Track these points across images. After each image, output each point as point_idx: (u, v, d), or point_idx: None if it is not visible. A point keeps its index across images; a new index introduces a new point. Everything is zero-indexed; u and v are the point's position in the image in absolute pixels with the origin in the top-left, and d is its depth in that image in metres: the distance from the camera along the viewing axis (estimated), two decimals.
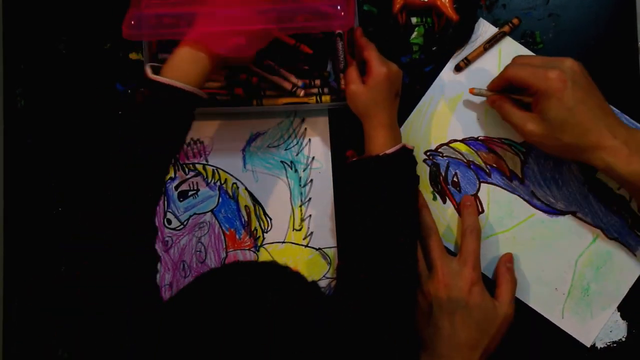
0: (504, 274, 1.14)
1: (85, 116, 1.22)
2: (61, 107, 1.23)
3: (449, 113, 1.20)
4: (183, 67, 1.00)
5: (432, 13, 1.20)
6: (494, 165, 1.19)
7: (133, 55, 1.22)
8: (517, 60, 1.10)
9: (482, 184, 1.19)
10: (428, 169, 1.20)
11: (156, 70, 1.00)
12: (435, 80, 1.21)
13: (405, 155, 1.09)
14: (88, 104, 1.22)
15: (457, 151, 1.20)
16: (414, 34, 1.21)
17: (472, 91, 1.16)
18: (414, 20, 1.21)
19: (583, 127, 1.01)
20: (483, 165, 1.19)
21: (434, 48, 1.21)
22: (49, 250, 1.21)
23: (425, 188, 1.19)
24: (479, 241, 1.13)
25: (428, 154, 1.20)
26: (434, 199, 1.19)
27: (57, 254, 1.20)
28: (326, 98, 1.18)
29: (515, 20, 1.19)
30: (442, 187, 1.20)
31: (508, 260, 1.15)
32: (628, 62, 1.19)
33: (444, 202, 1.19)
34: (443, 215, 1.19)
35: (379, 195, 1.06)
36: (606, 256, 1.17)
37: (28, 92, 1.23)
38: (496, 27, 1.20)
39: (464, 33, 1.20)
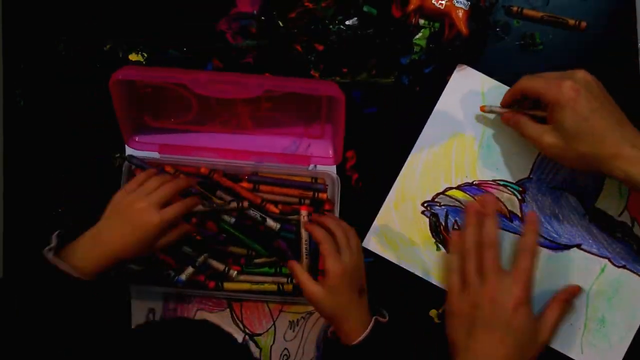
0: (559, 301, 1.13)
1: (85, 116, 1.24)
2: (61, 107, 1.24)
3: (440, 161, 1.21)
4: (78, 253, 1.04)
5: (445, 22, 1.20)
6: None
7: (133, 56, 1.24)
8: (528, 75, 1.10)
9: None
10: (427, 220, 1.20)
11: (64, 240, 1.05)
12: (423, 130, 1.21)
13: (379, 331, 1.09)
14: (87, 104, 1.24)
15: (453, 199, 1.20)
16: (419, 35, 1.22)
17: (483, 109, 1.17)
18: (421, 21, 1.22)
19: (599, 136, 1.01)
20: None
21: (431, 45, 1.22)
22: None
23: (427, 239, 1.19)
24: (534, 260, 1.09)
25: (425, 205, 1.20)
26: (437, 249, 1.20)
27: None
28: (288, 287, 1.19)
29: None
30: (444, 236, 1.20)
31: (572, 292, 1.15)
32: (628, 62, 1.20)
33: (448, 251, 1.19)
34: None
35: None
36: (616, 285, 1.16)
37: (28, 92, 1.25)
38: (496, 27, 1.22)
39: (470, 50, 1.21)
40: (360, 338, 1.06)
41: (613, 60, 1.21)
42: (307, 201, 1.19)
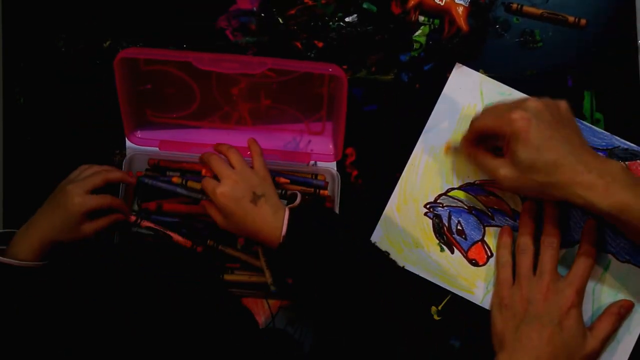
0: (611, 314, 1.13)
1: (85, 114, 1.24)
2: (60, 104, 1.24)
3: (441, 162, 1.20)
4: (18, 242, 1.07)
5: (445, 19, 1.21)
6: (495, 206, 1.19)
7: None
8: (483, 110, 1.11)
9: (486, 228, 1.19)
10: (430, 221, 1.20)
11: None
12: (423, 132, 1.21)
13: (299, 217, 1.07)
14: (87, 101, 1.24)
15: (456, 199, 1.20)
16: (419, 32, 1.22)
17: (448, 147, 1.19)
18: (420, 18, 1.22)
19: (553, 165, 1.01)
20: (484, 209, 1.19)
21: (430, 42, 1.22)
22: None
23: (431, 240, 1.19)
24: (591, 268, 1.11)
25: (428, 206, 1.20)
26: (442, 250, 1.19)
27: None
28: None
29: None
30: (448, 237, 1.19)
31: (624, 307, 1.14)
32: (628, 60, 1.21)
33: (452, 252, 1.19)
34: (453, 266, 1.19)
35: (311, 269, 1.05)
36: (622, 280, 1.16)
37: (27, 89, 1.25)
38: (495, 24, 1.22)
39: (470, 47, 1.22)
40: (283, 233, 1.05)
41: (613, 57, 1.21)
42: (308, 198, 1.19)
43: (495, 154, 1.09)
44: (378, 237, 1.20)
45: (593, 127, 1.18)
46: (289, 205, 1.09)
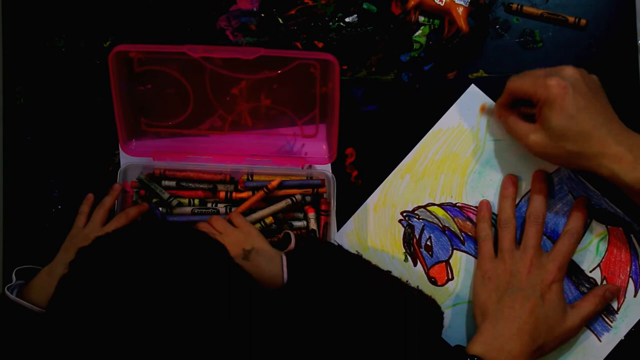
0: (596, 295, 1.14)
1: (85, 114, 1.25)
2: (61, 104, 1.25)
3: (429, 176, 1.21)
4: (36, 288, 1.07)
5: (445, 19, 1.21)
6: (469, 233, 1.20)
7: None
8: (521, 73, 1.10)
9: (455, 251, 1.20)
10: (402, 229, 1.21)
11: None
12: (419, 143, 1.22)
13: (297, 259, 1.09)
14: (87, 101, 1.25)
15: (433, 215, 1.21)
16: (419, 32, 1.22)
17: (483, 107, 1.18)
18: (420, 18, 1.22)
19: (585, 135, 1.01)
20: (458, 232, 1.20)
21: (430, 42, 1.22)
22: (48, 247, 1.19)
23: (398, 248, 1.21)
24: (574, 246, 1.13)
25: (404, 214, 1.21)
26: (405, 260, 1.20)
27: (56, 252, 1.19)
28: None
29: None
30: (415, 249, 1.20)
31: (611, 291, 1.15)
32: (628, 60, 1.21)
33: (415, 264, 1.20)
34: (412, 277, 1.20)
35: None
36: (572, 341, 1.17)
37: (28, 89, 1.25)
38: (495, 24, 1.22)
39: (470, 47, 1.22)
40: (284, 279, 1.07)
41: (613, 57, 1.21)
42: (309, 198, 1.21)
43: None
44: (348, 230, 1.22)
45: None
46: (285, 251, 1.10)
